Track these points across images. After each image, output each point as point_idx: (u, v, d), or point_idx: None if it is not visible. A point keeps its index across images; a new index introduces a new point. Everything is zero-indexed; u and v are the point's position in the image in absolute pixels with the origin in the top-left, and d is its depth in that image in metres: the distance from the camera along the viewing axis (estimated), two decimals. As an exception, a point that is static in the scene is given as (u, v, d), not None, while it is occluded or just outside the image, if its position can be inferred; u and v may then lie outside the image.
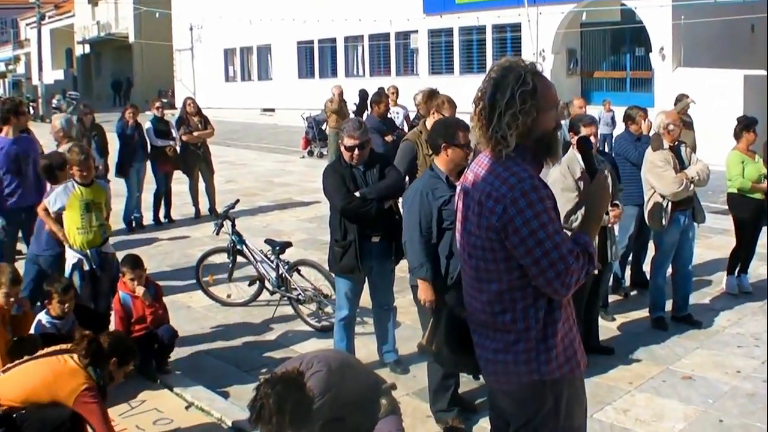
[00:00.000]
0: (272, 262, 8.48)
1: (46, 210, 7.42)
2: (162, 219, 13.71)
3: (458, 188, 3.49)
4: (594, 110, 18.49)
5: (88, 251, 7.28)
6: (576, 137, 6.74)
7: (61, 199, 7.28)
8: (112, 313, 7.06)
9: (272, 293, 8.55)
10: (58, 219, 7.35)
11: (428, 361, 5.90)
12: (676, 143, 7.83)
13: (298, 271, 8.37)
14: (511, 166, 3.20)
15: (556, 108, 3.32)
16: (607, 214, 6.70)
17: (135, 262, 6.94)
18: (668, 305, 8.08)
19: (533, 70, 3.24)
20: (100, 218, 7.41)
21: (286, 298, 8.34)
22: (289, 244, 8.70)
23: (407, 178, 7.37)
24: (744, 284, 8.98)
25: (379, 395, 4.98)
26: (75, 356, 5.20)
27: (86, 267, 7.27)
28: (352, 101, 20.63)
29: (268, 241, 8.65)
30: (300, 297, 8.20)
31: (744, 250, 8.95)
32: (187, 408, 6.30)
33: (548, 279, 3.15)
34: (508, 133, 3.18)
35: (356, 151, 6.46)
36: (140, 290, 6.81)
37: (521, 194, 3.12)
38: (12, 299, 6.19)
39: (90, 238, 7.31)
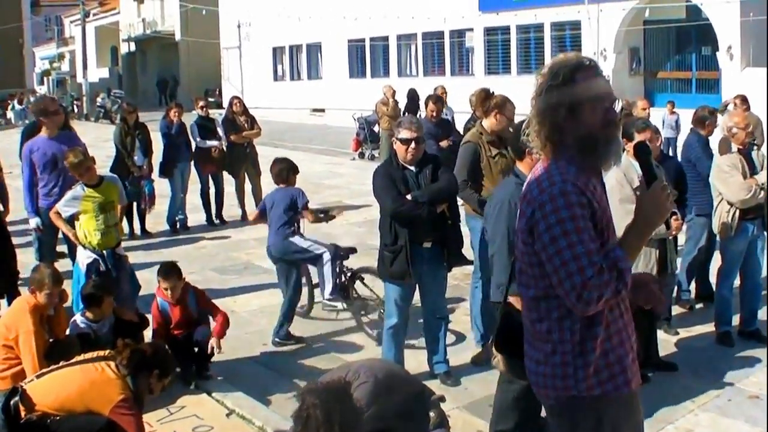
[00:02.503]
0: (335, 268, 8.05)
1: (57, 213, 7.50)
2: (214, 219, 13.61)
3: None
4: (658, 112, 18.04)
5: (104, 252, 7.31)
6: (631, 143, 6.35)
7: (73, 206, 7.34)
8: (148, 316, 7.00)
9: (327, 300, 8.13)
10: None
11: (500, 380, 5.60)
12: (747, 146, 7.42)
13: (362, 279, 8.05)
14: (552, 170, 3.10)
15: (601, 104, 3.11)
16: (668, 226, 6.33)
17: (168, 271, 6.77)
18: (735, 320, 7.68)
19: (573, 65, 3.10)
20: (114, 218, 7.47)
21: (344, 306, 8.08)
22: (353, 250, 8.34)
23: (469, 183, 7.09)
24: None
25: (428, 407, 4.78)
26: (113, 365, 5.13)
27: (102, 268, 7.28)
28: (402, 102, 20.35)
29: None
30: (358, 306, 7.98)
31: None
32: (228, 415, 6.17)
33: (565, 291, 3.00)
34: (540, 131, 3.13)
35: (412, 145, 6.27)
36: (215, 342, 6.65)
37: (549, 198, 3.03)
38: (56, 299, 6.24)
39: (107, 239, 7.35)
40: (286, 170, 8.16)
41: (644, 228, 3.17)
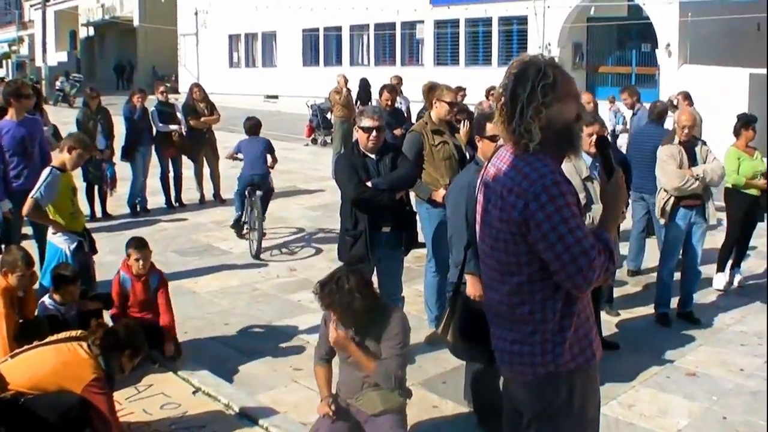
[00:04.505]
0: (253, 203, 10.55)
1: (37, 206, 7.18)
2: (173, 203, 13.75)
3: (479, 181, 3.47)
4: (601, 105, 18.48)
5: (83, 232, 7.39)
6: (590, 136, 6.64)
7: (55, 190, 7.20)
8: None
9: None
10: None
11: (466, 360, 5.81)
12: (691, 140, 7.85)
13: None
14: (533, 161, 3.19)
15: (576, 100, 3.30)
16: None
17: (141, 242, 7.07)
18: (673, 302, 8.11)
19: (552, 63, 3.23)
20: (77, 200, 7.54)
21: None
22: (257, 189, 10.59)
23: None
24: (735, 280, 9.16)
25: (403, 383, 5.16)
26: (85, 345, 5.19)
27: (86, 248, 7.32)
28: (354, 91, 20.52)
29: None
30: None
31: (737, 245, 9.12)
32: (194, 393, 6.29)
33: (570, 274, 3.14)
34: (532, 126, 3.16)
35: (374, 133, 6.46)
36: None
37: (542, 189, 3.11)
38: (27, 281, 6.24)
39: (81, 221, 7.45)
40: (258, 125, 11.34)
41: (612, 214, 3.43)
